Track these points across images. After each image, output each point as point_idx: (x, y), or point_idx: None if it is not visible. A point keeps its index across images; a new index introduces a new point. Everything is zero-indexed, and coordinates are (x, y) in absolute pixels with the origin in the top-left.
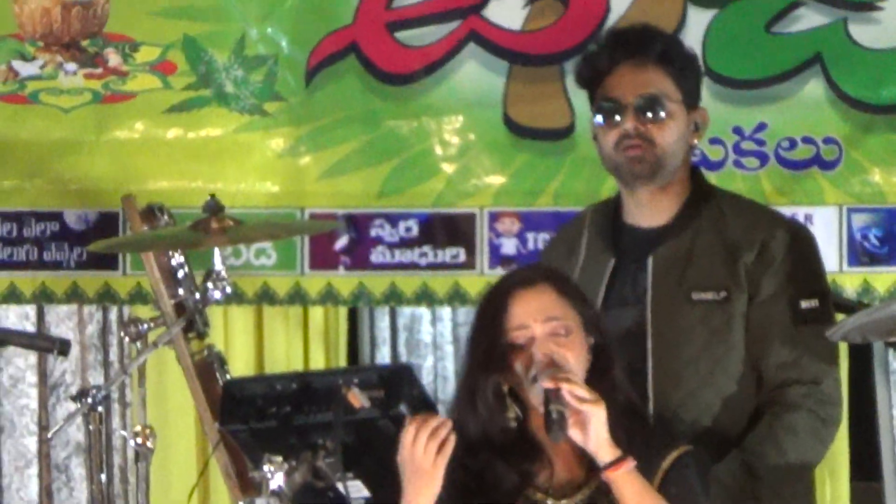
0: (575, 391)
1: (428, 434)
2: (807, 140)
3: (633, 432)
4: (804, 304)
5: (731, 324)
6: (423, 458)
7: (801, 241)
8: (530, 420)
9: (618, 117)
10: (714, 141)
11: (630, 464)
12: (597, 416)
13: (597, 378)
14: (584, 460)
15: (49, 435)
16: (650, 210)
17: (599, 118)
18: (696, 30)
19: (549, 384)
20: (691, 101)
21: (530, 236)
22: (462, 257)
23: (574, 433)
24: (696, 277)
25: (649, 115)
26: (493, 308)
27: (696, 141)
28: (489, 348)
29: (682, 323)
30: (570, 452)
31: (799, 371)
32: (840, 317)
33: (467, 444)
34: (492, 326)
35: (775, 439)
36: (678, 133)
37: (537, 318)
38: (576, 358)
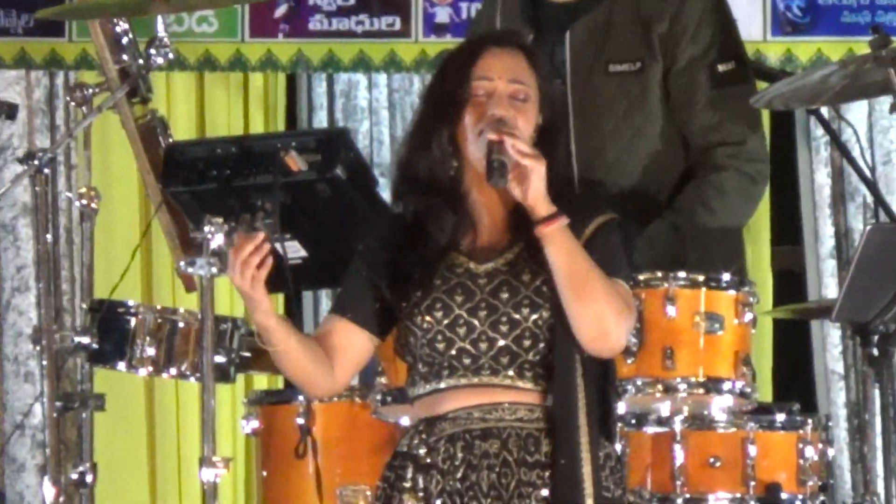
0: (518, 145)
1: (240, 263)
2: None
3: (561, 204)
4: (721, 68)
5: (648, 93)
6: (242, 283)
7: (712, 7)
8: (464, 178)
9: None
10: None
11: (564, 220)
12: (536, 172)
13: (546, 149)
14: (508, 226)
15: None
16: None
17: None
18: None
19: (493, 136)
20: None
21: (463, 5)
22: (398, 25)
23: (513, 186)
24: (612, 50)
25: None
26: (463, 56)
27: None
28: (451, 92)
29: (601, 95)
30: (495, 217)
31: (723, 133)
32: (763, 85)
33: (414, 185)
34: (457, 73)
35: (703, 199)
36: None
37: (503, 76)
38: (525, 124)
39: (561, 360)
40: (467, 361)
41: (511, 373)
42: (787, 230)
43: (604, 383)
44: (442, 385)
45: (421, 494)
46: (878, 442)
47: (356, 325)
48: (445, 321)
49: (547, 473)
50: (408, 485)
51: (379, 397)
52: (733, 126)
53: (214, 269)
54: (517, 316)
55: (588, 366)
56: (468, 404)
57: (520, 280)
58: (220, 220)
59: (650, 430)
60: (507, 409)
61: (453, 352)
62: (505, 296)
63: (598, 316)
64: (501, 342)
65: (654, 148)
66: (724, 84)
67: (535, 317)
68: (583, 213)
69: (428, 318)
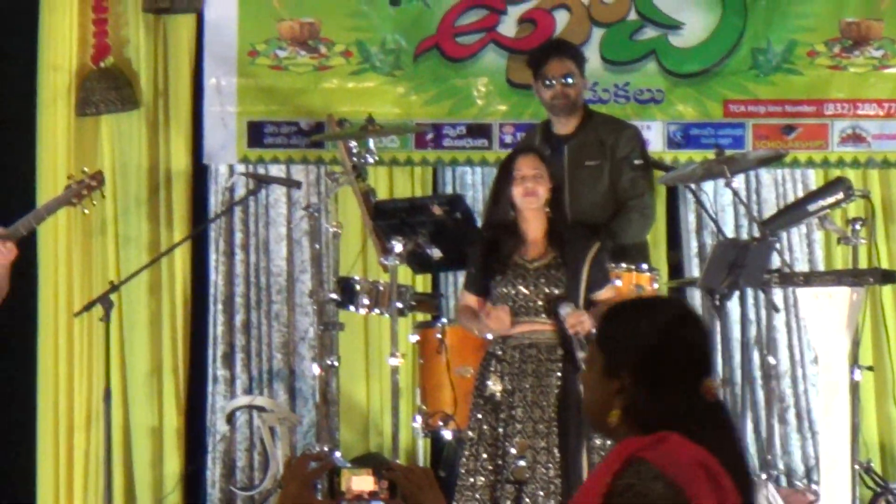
0: (584, 331)
1: (500, 314)
2: (648, 90)
3: (566, 234)
4: (636, 162)
5: (603, 177)
6: (498, 326)
7: (634, 134)
8: (518, 219)
9: (550, 83)
10: (605, 90)
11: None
12: (590, 325)
13: (553, 204)
14: (543, 243)
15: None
16: (565, 125)
17: (541, 84)
18: (596, 37)
19: (571, 332)
20: (583, 74)
21: (519, 134)
22: (487, 143)
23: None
24: (586, 155)
25: (568, 82)
26: (511, 160)
27: (583, 91)
28: (508, 177)
29: (581, 177)
30: (536, 238)
31: (633, 191)
32: (661, 172)
33: (492, 225)
34: (510, 167)
35: (623, 225)
36: (579, 91)
37: (530, 167)
38: (544, 189)
39: None
40: (522, 310)
41: (543, 316)
42: (675, 243)
43: None
44: None
45: (498, 375)
46: (719, 346)
47: (475, 294)
48: (513, 291)
49: (560, 364)
50: (492, 369)
51: None
52: (638, 188)
53: (396, 262)
54: (547, 290)
55: None
56: (522, 330)
57: (549, 273)
58: (401, 237)
59: None
60: (541, 333)
61: (516, 306)
62: (542, 280)
63: None
64: (539, 302)
65: (604, 201)
66: (636, 169)
67: (557, 291)
68: (584, 242)
69: (504, 289)
